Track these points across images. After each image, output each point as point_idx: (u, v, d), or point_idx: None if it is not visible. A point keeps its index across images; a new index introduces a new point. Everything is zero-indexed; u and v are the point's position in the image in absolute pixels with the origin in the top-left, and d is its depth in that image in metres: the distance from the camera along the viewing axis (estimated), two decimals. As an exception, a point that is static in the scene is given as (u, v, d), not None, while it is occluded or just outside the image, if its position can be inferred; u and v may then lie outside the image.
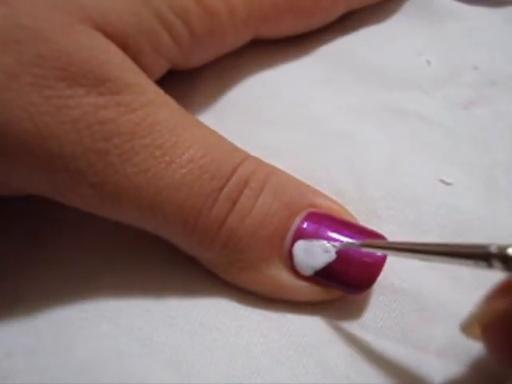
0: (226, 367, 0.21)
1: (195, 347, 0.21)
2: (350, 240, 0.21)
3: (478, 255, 0.16)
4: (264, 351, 0.21)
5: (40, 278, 0.22)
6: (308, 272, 0.21)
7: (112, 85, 0.20)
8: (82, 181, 0.20)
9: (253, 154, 0.22)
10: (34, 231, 0.24)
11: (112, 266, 0.23)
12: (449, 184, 0.24)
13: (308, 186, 0.23)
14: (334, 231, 0.21)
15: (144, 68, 0.22)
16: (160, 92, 0.21)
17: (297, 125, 0.26)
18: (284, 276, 0.21)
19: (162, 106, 0.21)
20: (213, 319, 0.21)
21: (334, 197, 0.23)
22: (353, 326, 0.22)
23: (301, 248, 0.21)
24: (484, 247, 0.16)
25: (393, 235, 0.23)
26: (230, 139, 0.22)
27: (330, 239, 0.21)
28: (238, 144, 0.22)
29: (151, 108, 0.20)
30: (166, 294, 0.22)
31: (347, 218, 0.22)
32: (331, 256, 0.21)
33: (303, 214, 0.22)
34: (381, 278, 0.21)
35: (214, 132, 0.22)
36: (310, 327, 0.21)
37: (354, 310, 0.22)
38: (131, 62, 0.21)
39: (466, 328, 0.19)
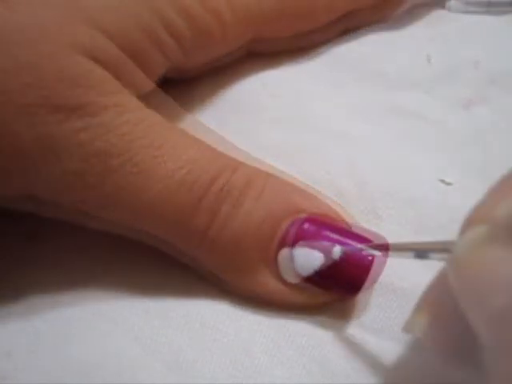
0: (226, 367, 0.21)
1: (195, 347, 0.21)
2: (335, 245, 0.21)
3: None
4: (264, 351, 0.21)
5: (40, 278, 0.22)
6: (294, 279, 0.21)
7: (91, 108, 0.20)
8: (63, 200, 0.20)
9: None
10: (34, 231, 0.24)
11: (112, 266, 0.23)
12: (449, 184, 0.24)
13: (295, 188, 0.22)
14: (319, 237, 0.21)
15: (133, 84, 0.22)
16: (140, 108, 0.21)
17: (297, 125, 0.26)
18: (271, 283, 0.21)
19: (141, 122, 0.21)
20: (213, 319, 0.21)
21: (333, 197, 0.23)
22: (353, 326, 0.22)
23: (286, 256, 0.21)
24: None
25: (393, 235, 0.22)
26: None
27: (315, 245, 0.21)
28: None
29: (128, 126, 0.20)
30: (166, 294, 0.22)
31: (336, 221, 0.22)
32: (317, 263, 0.21)
33: (288, 220, 0.21)
34: (380, 278, 0.21)
35: (196, 141, 0.22)
36: (310, 327, 0.21)
37: (354, 311, 0.22)
38: (114, 82, 0.21)
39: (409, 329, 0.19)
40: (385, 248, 0.20)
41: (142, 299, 0.22)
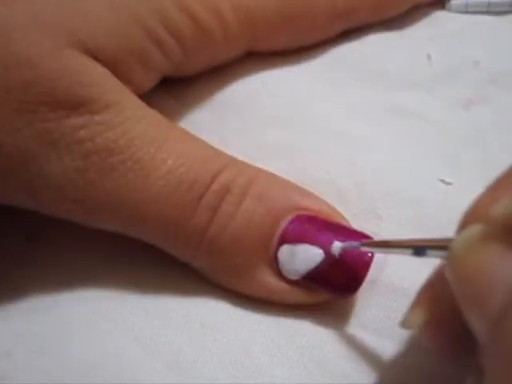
0: (226, 367, 0.21)
1: (195, 347, 0.21)
2: (336, 243, 0.21)
3: None
4: (264, 351, 0.21)
5: (40, 278, 0.22)
6: (294, 276, 0.21)
7: (92, 105, 0.20)
8: (64, 197, 0.20)
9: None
10: (34, 231, 0.24)
11: (112, 266, 0.23)
12: (449, 184, 0.24)
13: (294, 187, 0.23)
14: (319, 234, 0.21)
15: (134, 83, 0.22)
16: (141, 107, 0.22)
17: (297, 125, 0.26)
18: (271, 281, 0.21)
19: (141, 121, 0.21)
20: (213, 319, 0.21)
21: (334, 197, 0.23)
22: (353, 326, 0.22)
23: (286, 253, 0.21)
24: None
25: (393, 235, 0.23)
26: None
27: (315, 243, 0.21)
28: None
29: (129, 124, 0.21)
30: (166, 294, 0.22)
31: (335, 219, 0.22)
32: (316, 260, 0.21)
33: (288, 217, 0.21)
34: (380, 278, 0.21)
35: (196, 141, 0.22)
36: (310, 327, 0.22)
37: (354, 310, 0.22)
38: (115, 81, 0.21)
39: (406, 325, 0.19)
40: (383, 245, 0.20)
41: (142, 299, 0.22)
